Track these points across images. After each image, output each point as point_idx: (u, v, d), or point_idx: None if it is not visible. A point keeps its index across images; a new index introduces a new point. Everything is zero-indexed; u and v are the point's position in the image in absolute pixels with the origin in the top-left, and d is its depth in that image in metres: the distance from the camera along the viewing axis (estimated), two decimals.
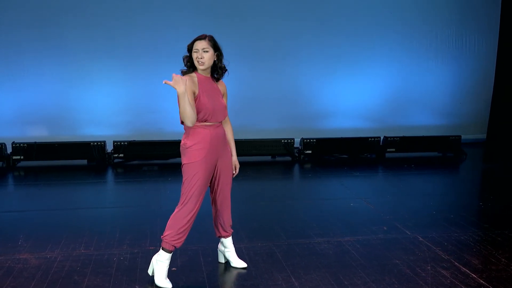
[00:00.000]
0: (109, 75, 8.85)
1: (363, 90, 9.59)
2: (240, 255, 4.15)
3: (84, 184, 7.03)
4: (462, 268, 4.05)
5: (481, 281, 3.80)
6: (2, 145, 7.78)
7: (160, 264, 3.66)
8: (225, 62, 3.71)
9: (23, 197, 6.40)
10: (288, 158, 8.60)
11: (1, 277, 3.82)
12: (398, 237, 4.78)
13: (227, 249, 4.04)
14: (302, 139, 8.65)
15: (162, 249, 3.66)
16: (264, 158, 8.53)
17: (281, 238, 4.72)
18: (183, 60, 3.67)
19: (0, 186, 6.96)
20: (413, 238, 4.74)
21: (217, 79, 3.74)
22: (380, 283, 3.76)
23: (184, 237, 3.66)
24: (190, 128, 3.59)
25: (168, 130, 8.56)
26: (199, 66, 3.59)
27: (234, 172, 3.88)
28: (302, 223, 5.15)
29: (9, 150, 7.91)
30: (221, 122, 3.71)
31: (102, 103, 8.81)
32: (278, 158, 8.62)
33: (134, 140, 8.24)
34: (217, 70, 3.68)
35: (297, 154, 8.58)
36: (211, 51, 3.57)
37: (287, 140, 8.51)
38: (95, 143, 8.05)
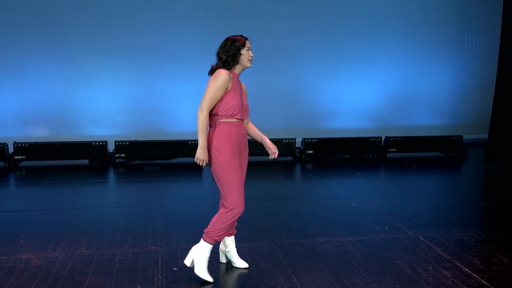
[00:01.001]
0: (110, 75, 8.86)
1: (365, 90, 9.59)
2: (241, 255, 4.16)
3: (85, 184, 7.04)
4: (463, 268, 4.04)
5: (483, 281, 3.80)
6: (4, 145, 7.79)
7: (202, 255, 3.74)
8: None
9: (25, 197, 6.41)
10: (290, 158, 8.60)
11: (3, 276, 3.82)
12: (399, 237, 4.77)
13: (228, 249, 4.05)
14: (304, 139, 8.65)
15: (204, 241, 3.74)
16: (266, 158, 8.47)
17: (283, 238, 4.72)
18: (228, 57, 3.65)
19: (1, 186, 6.97)
20: (414, 238, 4.74)
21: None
22: (381, 283, 3.76)
23: (227, 233, 3.82)
24: (214, 126, 3.68)
25: (169, 130, 8.57)
26: (249, 64, 3.73)
27: (274, 151, 3.93)
28: (303, 223, 5.14)
29: (11, 150, 7.92)
30: (243, 120, 3.80)
31: (104, 103, 8.82)
32: (279, 158, 8.61)
33: (136, 140, 8.24)
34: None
35: (298, 154, 8.58)
36: None
37: (289, 140, 8.51)
38: (97, 143, 8.06)
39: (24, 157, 7.88)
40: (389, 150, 8.88)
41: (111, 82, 8.85)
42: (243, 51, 3.67)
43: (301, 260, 4.20)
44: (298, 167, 8.18)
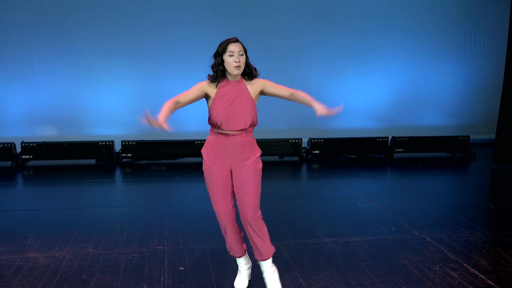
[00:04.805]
0: (117, 75, 8.88)
1: (372, 90, 9.56)
2: (247, 254, 4.15)
3: (92, 183, 7.06)
4: (470, 269, 4.03)
5: (490, 282, 3.78)
6: (11, 145, 7.83)
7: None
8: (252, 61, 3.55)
9: (32, 197, 6.44)
10: (296, 158, 8.59)
11: (11, 275, 3.84)
12: (406, 237, 4.76)
13: (263, 274, 3.67)
14: (310, 139, 8.64)
15: None
16: (272, 158, 8.53)
17: (289, 238, 4.72)
18: (212, 68, 3.45)
19: (9, 186, 7.00)
20: (421, 238, 4.72)
21: (251, 79, 3.52)
22: (388, 284, 3.75)
23: (234, 250, 3.69)
24: (209, 135, 3.56)
25: (176, 130, 8.49)
26: (235, 71, 3.39)
27: (331, 110, 3.59)
28: (310, 223, 5.14)
29: (19, 149, 7.96)
30: (242, 130, 3.45)
31: (111, 103, 8.84)
32: (285, 158, 8.62)
33: (142, 140, 8.26)
34: (248, 70, 3.49)
35: (304, 154, 8.57)
36: (244, 54, 3.43)
37: (295, 140, 8.51)
38: (104, 143, 8.09)
39: (31, 156, 7.91)
40: (396, 150, 8.86)
41: (118, 82, 8.87)
42: (225, 57, 3.38)
43: (307, 260, 4.20)
44: (304, 167, 8.18)
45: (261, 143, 8.96)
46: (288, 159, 8.59)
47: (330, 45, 9.34)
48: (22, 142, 7.93)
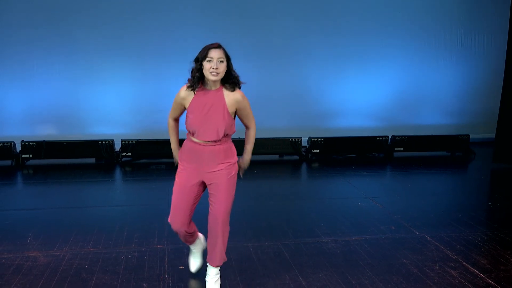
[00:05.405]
0: (117, 74, 8.87)
1: (372, 89, 9.56)
2: (247, 254, 4.16)
3: (92, 182, 7.06)
4: (470, 268, 4.03)
5: (490, 281, 3.79)
6: (11, 144, 7.83)
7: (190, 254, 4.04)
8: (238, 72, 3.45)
9: (32, 196, 6.44)
10: (296, 157, 8.59)
11: (11, 274, 3.85)
12: (406, 236, 4.76)
13: (207, 277, 3.72)
14: (310, 138, 8.65)
15: None
16: (272, 157, 8.53)
17: (289, 237, 4.72)
18: (191, 72, 3.37)
19: (9, 184, 7.00)
20: (421, 237, 4.73)
21: (232, 89, 3.39)
22: (388, 283, 3.76)
23: (189, 242, 3.84)
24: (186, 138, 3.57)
25: None
26: (212, 77, 3.28)
27: (240, 169, 3.64)
28: (309, 222, 5.14)
29: (18, 148, 7.96)
30: (215, 141, 3.41)
31: (111, 102, 8.84)
32: (285, 157, 8.62)
33: (142, 139, 8.26)
34: (230, 80, 3.38)
35: (304, 153, 8.57)
36: (225, 61, 3.30)
37: (295, 139, 8.51)
38: (103, 142, 8.09)
39: (31, 155, 7.91)
40: (396, 149, 8.86)
41: (118, 81, 8.87)
42: (204, 63, 3.27)
43: (307, 259, 4.20)
44: (304, 166, 8.18)
45: (261, 142, 9.03)
46: (288, 158, 8.59)
47: (330, 45, 9.33)
48: (22, 141, 7.93)
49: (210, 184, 3.51)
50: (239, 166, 3.63)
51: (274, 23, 9.13)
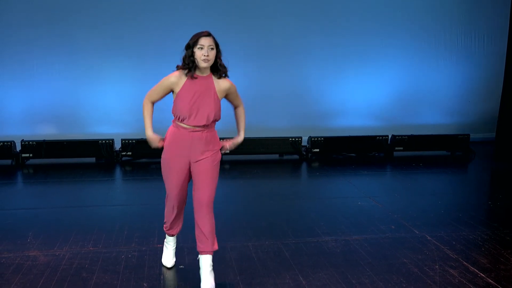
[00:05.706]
0: (117, 74, 8.87)
1: (372, 88, 9.56)
2: (247, 253, 4.16)
3: (92, 182, 7.06)
4: (470, 267, 4.03)
5: (490, 280, 3.79)
6: (11, 143, 7.83)
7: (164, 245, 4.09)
8: (224, 60, 3.56)
9: (32, 195, 6.44)
10: (296, 157, 8.59)
11: (11, 274, 3.85)
12: (406, 236, 4.76)
13: (201, 270, 3.69)
14: (310, 138, 8.64)
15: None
16: (272, 156, 8.53)
17: (289, 236, 4.72)
18: (183, 60, 3.50)
19: (9, 184, 7.00)
20: (421, 237, 4.73)
21: (219, 77, 3.54)
22: (388, 282, 3.76)
23: (174, 228, 3.94)
24: (172, 125, 3.65)
25: None
26: (203, 64, 3.42)
27: (226, 147, 3.75)
28: (309, 222, 5.14)
29: (19, 148, 7.96)
30: (204, 126, 3.52)
31: (111, 101, 8.84)
32: (285, 157, 8.61)
33: (142, 138, 8.21)
34: (218, 68, 3.52)
35: (304, 153, 8.57)
36: (215, 49, 3.46)
37: (295, 139, 8.51)
38: (104, 141, 8.09)
39: (31, 155, 7.91)
40: (396, 148, 8.85)
41: (118, 80, 8.86)
42: (195, 50, 3.42)
43: (307, 258, 4.20)
44: (304, 166, 8.18)
45: (261, 141, 9.03)
46: (288, 157, 8.59)
47: (330, 45, 9.33)
48: (22, 140, 7.93)
49: (196, 170, 3.61)
50: (235, 142, 3.80)
51: (274, 23, 9.13)
